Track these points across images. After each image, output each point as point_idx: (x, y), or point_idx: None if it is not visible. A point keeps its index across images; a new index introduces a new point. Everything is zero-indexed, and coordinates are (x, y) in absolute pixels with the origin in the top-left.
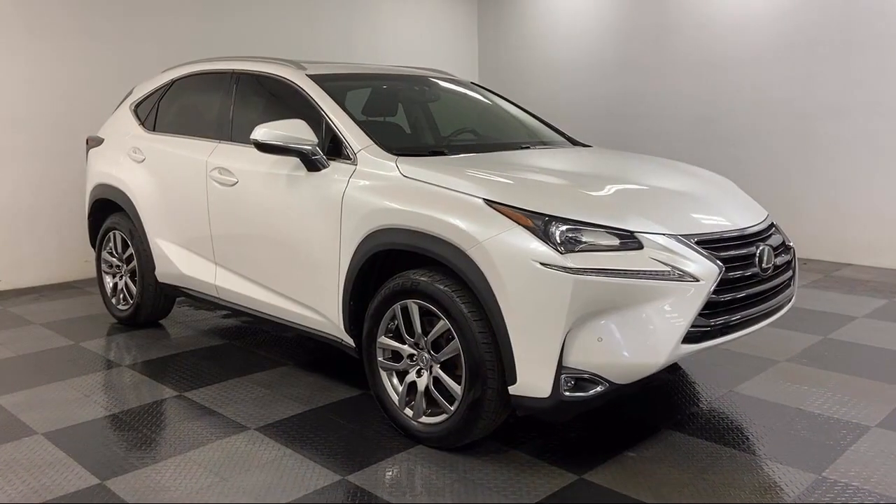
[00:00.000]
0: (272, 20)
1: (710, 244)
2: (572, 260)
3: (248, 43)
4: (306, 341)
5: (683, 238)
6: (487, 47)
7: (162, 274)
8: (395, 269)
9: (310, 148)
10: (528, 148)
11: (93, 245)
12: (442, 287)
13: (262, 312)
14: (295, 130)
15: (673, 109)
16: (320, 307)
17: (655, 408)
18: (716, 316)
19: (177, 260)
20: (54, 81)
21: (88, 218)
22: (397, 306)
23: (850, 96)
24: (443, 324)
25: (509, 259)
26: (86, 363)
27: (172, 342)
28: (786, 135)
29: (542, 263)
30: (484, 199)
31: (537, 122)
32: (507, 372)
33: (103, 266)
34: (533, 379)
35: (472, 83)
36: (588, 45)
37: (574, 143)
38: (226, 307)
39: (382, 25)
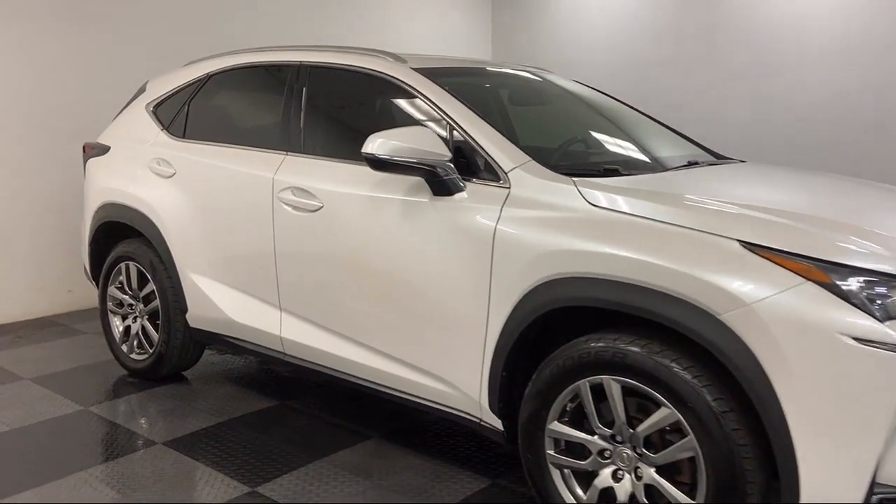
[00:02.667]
0: (280, 15)
1: None
2: None
3: (252, 37)
4: (386, 402)
5: None
6: (501, 49)
7: (197, 318)
8: (551, 331)
9: (443, 165)
10: (695, 165)
11: (93, 278)
12: (668, 363)
13: (352, 376)
14: (422, 141)
15: (717, 114)
16: (449, 375)
17: None
18: None
19: (221, 302)
20: (29, 74)
21: (90, 245)
22: (583, 384)
23: None
24: (666, 413)
25: (799, 330)
26: (107, 442)
27: (208, 405)
28: (851, 146)
29: (855, 338)
30: (742, 241)
31: (665, 129)
32: (786, 488)
33: (110, 304)
34: (827, 497)
35: (577, 81)
36: (615, 45)
37: (718, 155)
38: (292, 364)
39: (395, 24)
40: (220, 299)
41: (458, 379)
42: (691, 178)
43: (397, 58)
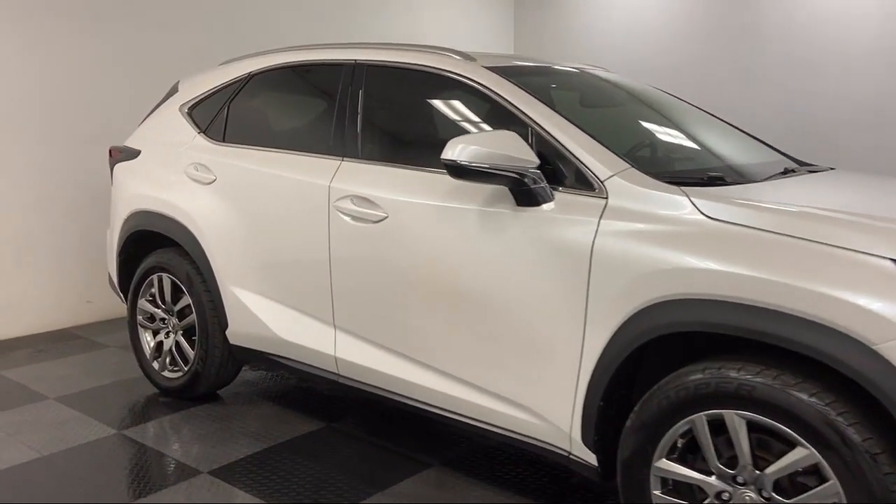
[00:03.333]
0: (304, 14)
1: None
2: None
3: (276, 36)
4: (438, 424)
5: None
6: (523, 49)
7: (238, 334)
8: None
9: (531, 172)
10: (792, 173)
11: (121, 290)
12: (806, 397)
13: (417, 401)
14: (509, 147)
15: (752, 118)
16: (534, 404)
17: None
18: None
19: (267, 318)
20: (45, 74)
21: (118, 255)
22: (699, 418)
23: None
24: (804, 454)
25: None
26: (147, 471)
27: (249, 428)
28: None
29: None
30: None
31: (739, 132)
32: None
33: (140, 318)
34: None
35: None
36: (641, 45)
37: (800, 162)
38: (345, 386)
39: (420, 22)
40: (265, 315)
41: (545, 408)
42: (804, 188)
43: (466, 56)
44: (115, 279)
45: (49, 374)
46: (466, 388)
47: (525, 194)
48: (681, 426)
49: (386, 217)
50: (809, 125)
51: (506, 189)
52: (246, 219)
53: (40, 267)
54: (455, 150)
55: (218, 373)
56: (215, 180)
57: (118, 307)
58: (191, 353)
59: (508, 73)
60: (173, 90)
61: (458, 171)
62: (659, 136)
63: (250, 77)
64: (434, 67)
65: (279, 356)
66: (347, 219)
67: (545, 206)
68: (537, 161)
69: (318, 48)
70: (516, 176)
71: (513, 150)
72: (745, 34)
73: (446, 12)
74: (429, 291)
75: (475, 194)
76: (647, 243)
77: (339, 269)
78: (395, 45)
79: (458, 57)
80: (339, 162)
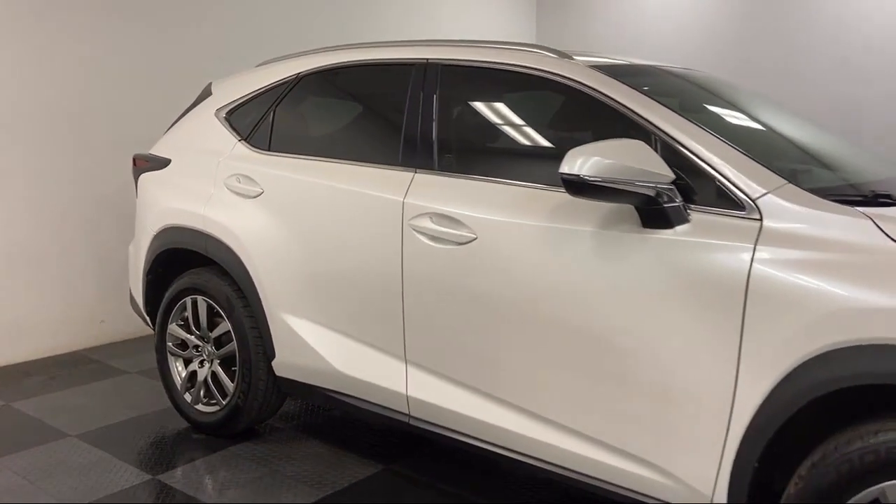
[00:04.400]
0: (330, 13)
1: None
2: None
3: (300, 35)
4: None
5: None
6: None
7: (287, 366)
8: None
9: (665, 189)
10: None
11: (147, 312)
12: None
13: (509, 450)
14: (640, 159)
15: None
16: (665, 461)
17: None
18: None
19: (323, 349)
20: (55, 76)
21: (146, 275)
22: (892, 487)
23: None
24: None
25: None
26: None
27: (300, 471)
28: None
29: None
30: None
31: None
32: None
33: (170, 345)
34: None
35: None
36: (670, 48)
37: None
38: (418, 429)
39: (444, 24)
40: (321, 346)
41: (678, 467)
42: None
43: (562, 54)
44: (139, 301)
45: (66, 405)
46: (574, 438)
47: (656, 214)
48: (865, 496)
49: (475, 238)
50: (855, 133)
51: (629, 208)
52: (299, 237)
53: (50, 285)
54: (576, 164)
55: (260, 407)
56: (262, 193)
57: (133, 328)
58: (230, 385)
59: (617, 73)
60: (206, 93)
61: (580, 187)
62: (789, 145)
63: (299, 79)
64: (528, 67)
65: (337, 392)
66: (425, 239)
67: (680, 229)
68: (672, 175)
69: (380, 46)
70: (649, 193)
71: (645, 163)
72: (786, 36)
73: (466, 13)
74: (530, 325)
75: (588, 214)
76: (824, 275)
77: (413, 297)
78: (475, 43)
79: (553, 55)
80: (412, 174)
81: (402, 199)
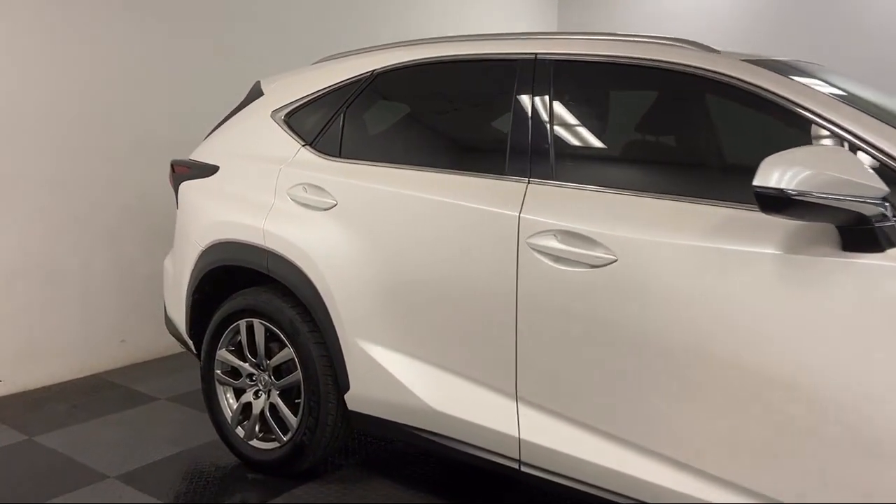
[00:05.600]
0: (338, 4)
1: None
2: None
3: (322, 33)
4: None
5: None
6: None
7: (364, 400)
8: None
9: (878, 205)
10: None
11: (190, 336)
12: None
13: None
14: (846, 169)
15: None
16: None
17: None
18: None
19: (412, 383)
20: (80, 73)
21: (191, 295)
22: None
23: None
24: None
25: None
26: None
27: None
28: None
29: None
30: None
31: None
32: None
33: (218, 372)
34: None
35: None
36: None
37: None
38: (532, 477)
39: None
40: (408, 378)
41: None
42: None
43: (708, 48)
44: (181, 323)
45: (96, 439)
46: (748, 497)
47: (864, 235)
48: None
49: (614, 260)
50: None
51: (827, 227)
52: (382, 255)
53: (67, 301)
54: (774, 176)
55: (327, 445)
56: (335, 205)
57: (155, 347)
58: (292, 419)
59: (778, 70)
60: (256, 93)
61: (780, 203)
62: None
63: (374, 77)
64: (671, 63)
65: (427, 431)
66: (547, 260)
67: (891, 252)
68: (886, 189)
69: (473, 40)
70: (864, 211)
71: (854, 174)
72: (822, 33)
73: (487, 12)
74: (688, 363)
75: (767, 233)
76: None
77: (529, 325)
78: (587, 34)
79: (696, 49)
80: (524, 185)
81: (517, 214)
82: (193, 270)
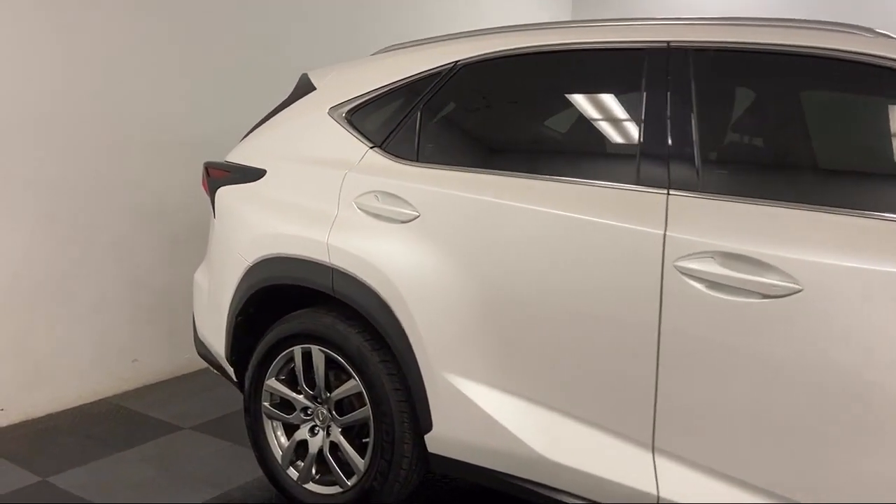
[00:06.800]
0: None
1: None
2: None
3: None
4: None
5: None
6: None
7: (450, 442)
8: None
9: None
10: None
11: (231, 362)
12: None
13: None
14: None
15: None
16: None
17: None
18: None
19: (514, 424)
20: (90, 67)
21: (235, 316)
22: None
23: None
24: None
25: None
26: None
27: None
28: None
29: None
30: None
31: None
32: None
33: (266, 405)
34: None
35: None
36: None
37: None
38: None
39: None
40: (511, 420)
41: None
42: None
43: (885, 35)
44: (219, 347)
45: (121, 479)
46: None
47: None
48: None
49: (798, 290)
50: None
51: None
52: (480, 277)
53: (75, 318)
54: None
55: (400, 491)
56: (418, 217)
57: (169, 367)
58: (358, 461)
59: None
60: (305, 87)
61: None
62: None
63: (456, 69)
64: (850, 53)
65: (531, 482)
66: (701, 287)
67: None
68: None
69: (582, 27)
70: None
71: None
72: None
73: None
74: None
75: None
76: None
77: (675, 362)
78: (733, 21)
79: (876, 36)
80: (663, 197)
81: (661, 232)
82: (238, 289)
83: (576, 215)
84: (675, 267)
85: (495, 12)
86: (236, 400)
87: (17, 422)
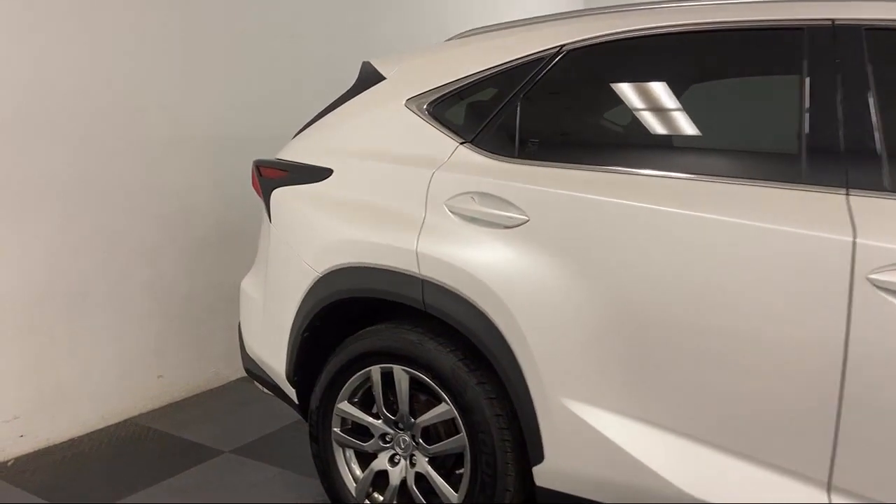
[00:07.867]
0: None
1: None
2: None
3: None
4: None
5: None
6: None
7: (564, 475)
8: None
9: None
10: None
11: (294, 383)
12: None
13: None
14: None
15: None
16: None
17: None
18: None
19: (652, 458)
20: (108, 61)
21: (300, 333)
22: None
23: None
24: None
25: None
26: None
27: None
28: None
29: None
30: None
31: None
32: None
33: (337, 430)
34: None
35: None
36: None
37: None
38: None
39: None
40: (647, 453)
41: None
42: None
43: None
44: (278, 365)
45: None
46: None
47: None
48: None
49: None
50: None
51: None
52: (608, 291)
53: (96, 332)
54: None
55: None
56: (527, 222)
57: (194, 381)
58: (451, 496)
59: None
60: (370, 77)
61: None
62: None
63: (561, 54)
64: None
65: None
66: None
67: None
68: None
69: (709, 5)
70: None
71: None
72: None
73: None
74: None
75: None
76: None
77: (864, 391)
78: None
79: None
80: (842, 198)
81: (850, 240)
82: (304, 302)
83: (733, 219)
84: (869, 280)
85: (505, 4)
86: (274, 417)
87: (38, 448)
